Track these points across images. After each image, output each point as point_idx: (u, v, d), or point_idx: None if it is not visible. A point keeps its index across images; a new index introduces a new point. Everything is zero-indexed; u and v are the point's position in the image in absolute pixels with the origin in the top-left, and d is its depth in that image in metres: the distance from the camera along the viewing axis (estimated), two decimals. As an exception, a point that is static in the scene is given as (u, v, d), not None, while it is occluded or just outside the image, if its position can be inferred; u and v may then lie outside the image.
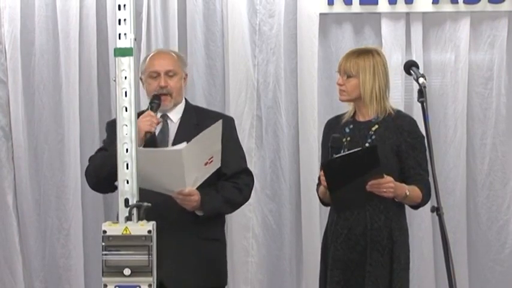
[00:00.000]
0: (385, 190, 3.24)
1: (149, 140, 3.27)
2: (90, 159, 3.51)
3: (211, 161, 3.21)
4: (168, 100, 3.44)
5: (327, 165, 3.30)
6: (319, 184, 3.52)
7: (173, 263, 3.26)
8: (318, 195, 3.59)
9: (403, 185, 3.34)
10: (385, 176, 3.24)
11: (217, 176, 3.34)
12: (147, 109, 3.33)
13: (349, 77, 3.43)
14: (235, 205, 3.50)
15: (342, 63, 3.47)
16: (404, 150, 3.41)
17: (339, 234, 3.43)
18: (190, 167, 3.10)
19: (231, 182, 3.40)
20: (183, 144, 3.16)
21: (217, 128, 3.19)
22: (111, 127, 3.20)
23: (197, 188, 3.23)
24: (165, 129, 3.46)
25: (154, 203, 3.17)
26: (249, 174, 3.52)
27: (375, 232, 3.37)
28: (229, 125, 3.50)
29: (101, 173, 3.28)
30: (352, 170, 3.23)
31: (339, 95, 3.50)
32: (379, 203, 3.35)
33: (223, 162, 3.33)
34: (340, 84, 3.47)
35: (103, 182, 3.28)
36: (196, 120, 3.45)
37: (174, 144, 3.32)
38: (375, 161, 3.21)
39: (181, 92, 3.51)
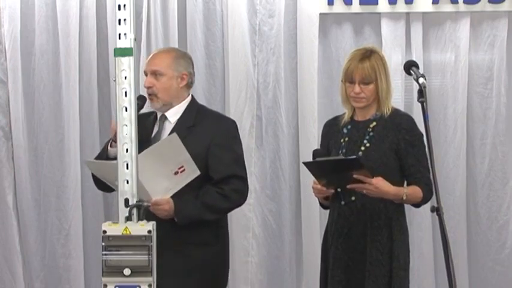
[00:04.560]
0: (364, 191, 3.23)
1: (145, 142, 3.15)
2: None
3: (183, 170, 3.17)
4: (154, 101, 3.40)
5: (307, 165, 3.32)
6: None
7: (158, 270, 3.22)
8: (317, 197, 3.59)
9: (401, 189, 3.32)
10: (373, 178, 3.20)
11: (202, 181, 3.29)
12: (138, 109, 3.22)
13: (366, 83, 3.39)
14: (219, 211, 3.38)
15: (353, 71, 3.36)
16: (403, 148, 3.39)
17: (339, 234, 3.42)
18: (150, 177, 3.04)
19: (216, 187, 3.32)
20: None
21: (173, 139, 3.13)
22: None
23: (176, 195, 3.20)
24: (160, 131, 3.43)
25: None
26: (240, 179, 3.40)
27: (375, 231, 3.36)
28: (224, 129, 3.44)
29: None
30: (334, 170, 3.25)
31: (355, 102, 3.40)
32: (378, 202, 3.35)
33: (211, 167, 3.31)
34: (358, 93, 3.38)
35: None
36: (193, 121, 3.41)
37: None
38: (358, 167, 3.20)
39: (173, 92, 3.42)
